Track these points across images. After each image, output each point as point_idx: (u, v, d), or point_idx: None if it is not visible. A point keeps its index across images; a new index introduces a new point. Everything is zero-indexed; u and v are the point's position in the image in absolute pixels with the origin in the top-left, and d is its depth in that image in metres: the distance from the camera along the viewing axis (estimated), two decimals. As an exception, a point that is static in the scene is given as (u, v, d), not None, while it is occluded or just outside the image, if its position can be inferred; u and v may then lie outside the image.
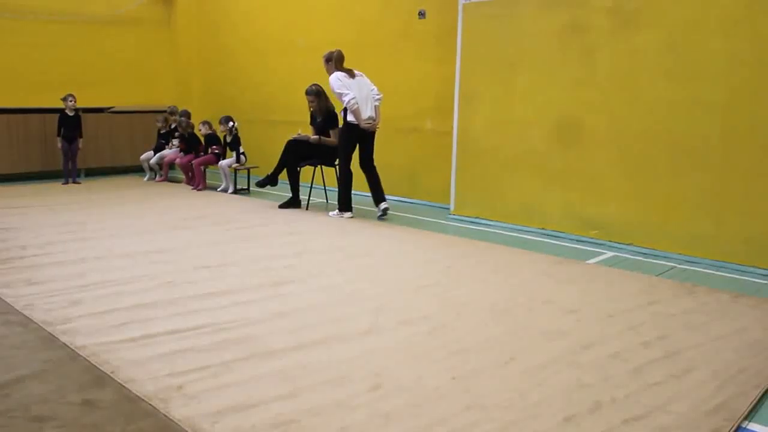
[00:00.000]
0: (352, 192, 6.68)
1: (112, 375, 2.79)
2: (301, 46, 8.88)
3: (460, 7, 6.57)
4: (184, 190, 8.41)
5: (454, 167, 6.77)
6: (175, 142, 9.00)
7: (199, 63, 10.81)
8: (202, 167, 8.51)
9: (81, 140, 8.69)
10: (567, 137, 5.87)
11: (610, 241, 5.63)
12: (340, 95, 6.35)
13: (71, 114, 8.55)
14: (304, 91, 7.16)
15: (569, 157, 5.87)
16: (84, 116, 9.16)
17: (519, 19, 6.14)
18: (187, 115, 8.83)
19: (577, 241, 5.79)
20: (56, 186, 8.48)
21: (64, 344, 3.13)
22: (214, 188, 8.46)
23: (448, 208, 6.92)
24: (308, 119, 7.27)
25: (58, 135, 8.53)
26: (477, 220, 6.57)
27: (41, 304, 3.71)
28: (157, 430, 2.36)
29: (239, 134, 8.40)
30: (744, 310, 3.90)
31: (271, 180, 7.13)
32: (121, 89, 9.99)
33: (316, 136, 6.97)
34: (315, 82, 7.03)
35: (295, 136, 7.04)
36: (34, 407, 2.50)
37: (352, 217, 6.58)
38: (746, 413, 2.60)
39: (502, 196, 6.40)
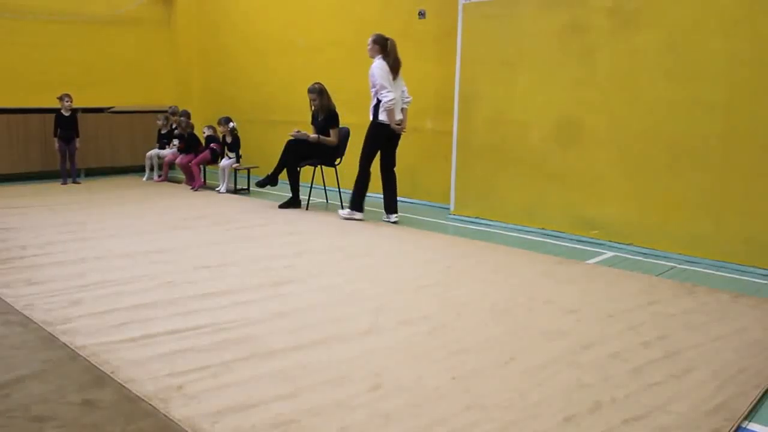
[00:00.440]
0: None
1: (112, 375, 2.79)
2: (301, 46, 8.88)
3: (460, 7, 6.57)
4: (184, 190, 8.41)
5: (454, 167, 6.77)
6: (176, 142, 9.00)
7: (199, 63, 10.81)
8: (200, 166, 8.52)
9: (78, 140, 8.69)
10: (567, 137, 5.87)
11: (610, 241, 5.63)
12: (380, 88, 6.00)
13: (67, 114, 8.54)
14: (303, 91, 7.17)
15: (569, 157, 5.87)
16: (84, 116, 9.17)
17: (519, 19, 6.14)
18: (186, 115, 8.84)
19: (577, 241, 5.79)
20: (56, 186, 8.48)
21: (64, 344, 3.13)
22: (213, 188, 8.46)
23: (448, 208, 6.92)
24: (308, 119, 7.27)
25: (55, 135, 8.52)
26: (477, 220, 6.57)
27: (41, 304, 3.71)
28: (157, 430, 2.36)
29: (238, 135, 8.41)
30: (744, 310, 3.90)
31: (271, 180, 7.13)
32: (121, 89, 9.99)
33: (315, 135, 6.97)
34: (317, 81, 7.04)
35: (294, 134, 7.03)
36: (34, 407, 2.50)
37: (362, 219, 6.42)
38: (746, 413, 2.60)
39: (502, 196, 6.40)
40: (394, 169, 6.44)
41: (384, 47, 6.14)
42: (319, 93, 6.97)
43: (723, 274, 4.78)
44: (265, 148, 8.69)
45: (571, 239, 5.84)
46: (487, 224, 6.44)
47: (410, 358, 3.05)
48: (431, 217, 6.81)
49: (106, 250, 4.98)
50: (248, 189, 8.43)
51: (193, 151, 8.69)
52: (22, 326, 3.37)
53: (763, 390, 2.80)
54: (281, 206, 7.11)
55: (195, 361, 2.95)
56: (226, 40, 10.19)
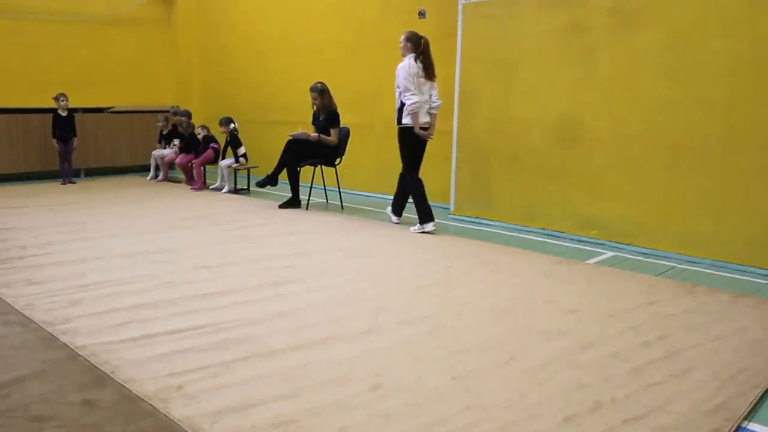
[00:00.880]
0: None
1: (112, 375, 2.79)
2: (301, 46, 8.88)
3: (460, 7, 6.56)
4: (184, 190, 8.41)
5: (454, 167, 6.77)
6: (176, 142, 9.01)
7: (199, 63, 10.81)
8: (202, 166, 8.52)
9: (76, 139, 8.68)
10: (567, 137, 5.87)
11: (610, 241, 5.63)
12: (404, 90, 5.69)
13: (64, 114, 8.54)
14: (303, 91, 7.18)
15: (569, 157, 5.87)
16: (84, 116, 9.18)
17: (519, 19, 6.14)
18: (188, 115, 8.84)
19: (577, 241, 5.79)
20: (56, 186, 8.48)
21: (64, 344, 3.13)
22: (214, 188, 8.46)
23: (448, 208, 6.91)
24: (308, 119, 7.28)
25: (54, 136, 8.52)
26: (477, 220, 6.57)
27: (41, 304, 3.71)
28: (157, 430, 2.36)
29: (239, 135, 8.41)
30: (744, 310, 3.90)
31: (271, 180, 7.12)
32: (121, 89, 9.99)
33: (315, 134, 6.98)
34: (319, 80, 7.05)
35: (295, 134, 7.04)
36: (34, 407, 2.50)
37: (435, 229, 5.88)
38: (746, 413, 2.60)
39: (502, 196, 6.40)
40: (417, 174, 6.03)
41: (417, 45, 5.75)
42: (320, 92, 6.98)
43: (723, 274, 4.78)
44: (265, 148, 8.69)
45: (571, 239, 5.84)
46: (487, 224, 6.44)
47: (410, 358, 3.05)
48: (431, 217, 6.80)
49: (106, 250, 4.98)
50: (248, 189, 8.43)
51: (193, 150, 8.69)
52: (22, 326, 3.37)
53: (763, 390, 2.80)
54: (281, 206, 7.11)
55: (195, 361, 2.95)
56: (226, 40, 10.19)
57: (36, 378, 2.76)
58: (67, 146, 8.61)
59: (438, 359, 3.04)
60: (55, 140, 8.52)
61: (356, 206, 7.39)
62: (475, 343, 3.26)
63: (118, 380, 2.74)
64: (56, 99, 8.44)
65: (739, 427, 2.51)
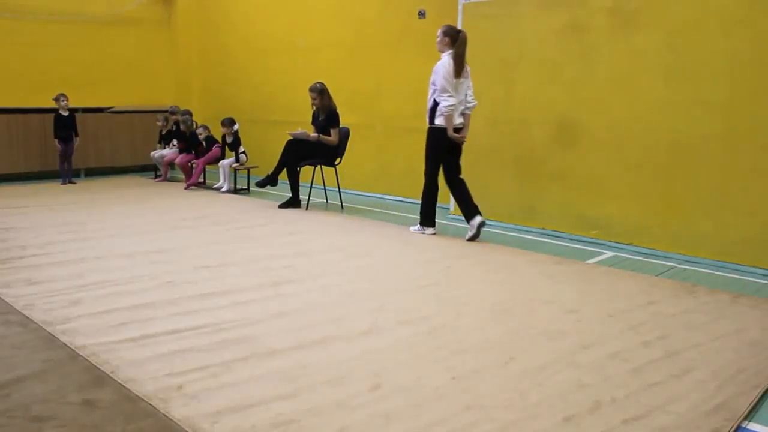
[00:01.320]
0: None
1: (112, 375, 2.79)
2: (301, 46, 8.88)
3: (460, 7, 6.57)
4: (184, 190, 8.40)
5: (454, 167, 6.76)
6: (175, 141, 9.00)
7: (199, 63, 10.81)
8: (204, 165, 8.53)
9: (77, 139, 8.68)
10: (567, 137, 5.87)
11: (610, 241, 5.63)
12: (441, 91, 5.36)
13: (65, 114, 8.53)
14: (303, 91, 7.18)
15: (569, 157, 5.87)
16: (84, 116, 9.18)
17: (519, 19, 6.14)
18: (190, 114, 8.84)
19: (577, 241, 5.78)
20: (56, 186, 8.48)
21: (64, 344, 3.13)
22: (213, 188, 8.46)
23: (448, 208, 6.91)
24: (308, 119, 7.27)
25: (55, 136, 8.51)
26: (477, 220, 6.56)
27: (41, 304, 3.71)
28: (157, 430, 2.36)
29: (239, 135, 8.41)
30: (744, 310, 3.90)
31: (271, 180, 7.12)
32: (121, 89, 9.99)
33: (315, 134, 6.98)
34: (319, 80, 7.05)
35: (295, 133, 7.03)
36: (34, 407, 2.50)
37: (434, 234, 5.82)
38: (746, 413, 2.60)
39: (502, 196, 6.40)
40: (461, 176, 5.75)
41: (455, 40, 5.38)
42: (320, 92, 6.98)
43: (723, 274, 4.78)
44: (265, 148, 8.69)
45: (571, 239, 5.84)
46: (487, 224, 6.43)
47: (410, 358, 3.05)
48: (431, 217, 6.80)
49: (106, 250, 4.98)
50: (248, 189, 8.43)
51: (193, 150, 8.69)
52: (22, 326, 3.37)
53: (763, 390, 2.80)
54: (281, 206, 7.11)
55: (195, 361, 2.95)
56: (226, 40, 10.19)
57: (36, 378, 2.76)
58: (68, 146, 8.60)
59: (438, 359, 3.04)
60: (56, 140, 8.52)
61: (356, 206, 7.39)
62: (475, 343, 3.26)
63: (118, 380, 2.74)
64: (56, 99, 8.43)
65: (739, 427, 2.51)
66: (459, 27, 6.52)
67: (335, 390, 2.69)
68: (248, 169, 8.42)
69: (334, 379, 2.79)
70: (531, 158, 6.13)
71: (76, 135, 8.65)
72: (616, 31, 5.48)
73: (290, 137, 7.03)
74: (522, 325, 3.54)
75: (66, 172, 8.68)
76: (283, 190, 7.58)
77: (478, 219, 5.62)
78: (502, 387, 2.76)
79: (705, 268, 4.92)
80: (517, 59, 6.17)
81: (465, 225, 6.40)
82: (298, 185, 7.12)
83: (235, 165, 8.34)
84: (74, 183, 8.71)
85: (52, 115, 8.54)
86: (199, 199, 7.73)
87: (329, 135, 7.00)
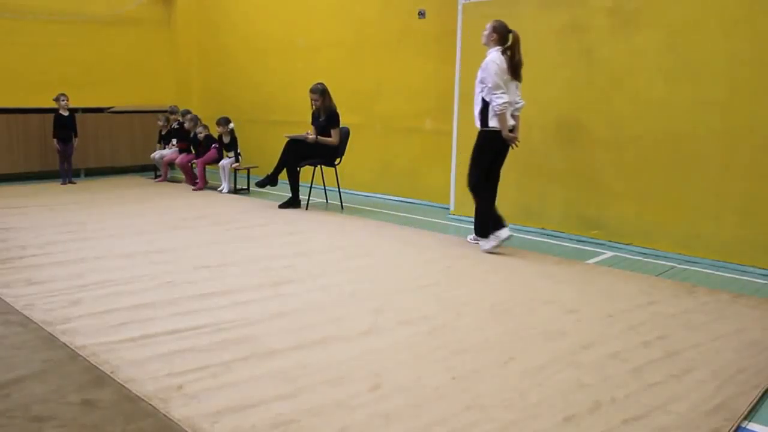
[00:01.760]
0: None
1: (111, 375, 2.79)
2: (301, 46, 8.88)
3: (460, 7, 6.57)
4: (184, 190, 8.40)
5: (454, 167, 6.77)
6: (175, 141, 9.00)
7: (199, 63, 10.81)
8: (205, 166, 8.53)
9: (77, 139, 8.68)
10: (567, 137, 5.87)
11: (610, 241, 5.63)
12: (494, 88, 4.97)
13: (65, 114, 8.53)
14: (303, 91, 7.18)
15: (569, 157, 5.87)
16: (84, 116, 9.18)
17: (519, 19, 6.13)
18: (194, 116, 8.84)
19: (577, 241, 5.79)
20: (56, 186, 8.48)
21: (64, 344, 3.13)
22: (214, 188, 8.46)
23: (448, 208, 6.91)
24: (308, 119, 7.28)
25: (54, 136, 8.51)
26: (477, 220, 6.55)
27: (41, 304, 3.71)
28: (157, 430, 2.36)
29: (236, 135, 8.41)
30: (744, 310, 3.90)
31: (271, 180, 7.12)
32: (121, 89, 9.99)
33: (313, 136, 6.97)
34: (319, 81, 7.05)
35: (292, 135, 7.04)
36: (34, 407, 2.50)
37: (510, 236, 5.19)
38: (746, 413, 2.60)
39: (503, 196, 6.37)
40: (497, 181, 5.35)
41: (504, 38, 5.09)
42: (321, 93, 6.98)
43: (723, 274, 4.78)
44: (265, 148, 8.70)
45: (571, 239, 5.84)
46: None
47: (410, 358, 3.05)
48: (431, 217, 6.81)
49: (106, 250, 4.98)
50: (248, 189, 8.43)
51: (193, 150, 8.68)
52: (22, 326, 3.37)
53: (763, 390, 2.80)
54: (281, 206, 7.11)
55: (195, 361, 2.95)
56: (226, 40, 10.19)
57: (36, 378, 2.76)
58: (67, 146, 8.60)
59: (438, 359, 3.04)
60: (55, 140, 8.51)
61: (356, 206, 7.40)
62: (475, 343, 3.26)
63: (118, 380, 2.74)
64: (56, 100, 8.43)
65: (738, 427, 2.51)
66: (459, 26, 6.54)
67: (335, 390, 2.69)
68: (248, 169, 8.42)
69: (334, 379, 2.80)
70: (531, 158, 6.13)
71: (76, 135, 8.65)
72: (616, 31, 5.48)
73: (288, 138, 7.03)
74: (522, 325, 3.54)
75: (66, 172, 8.67)
76: (283, 190, 7.58)
77: (507, 233, 5.18)
78: (502, 387, 2.76)
79: (705, 268, 4.91)
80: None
81: (465, 225, 6.41)
82: (298, 185, 7.12)
83: (234, 165, 8.34)
84: (74, 183, 8.71)
85: (52, 115, 8.53)
86: (199, 199, 7.73)
87: (330, 136, 7.00)
